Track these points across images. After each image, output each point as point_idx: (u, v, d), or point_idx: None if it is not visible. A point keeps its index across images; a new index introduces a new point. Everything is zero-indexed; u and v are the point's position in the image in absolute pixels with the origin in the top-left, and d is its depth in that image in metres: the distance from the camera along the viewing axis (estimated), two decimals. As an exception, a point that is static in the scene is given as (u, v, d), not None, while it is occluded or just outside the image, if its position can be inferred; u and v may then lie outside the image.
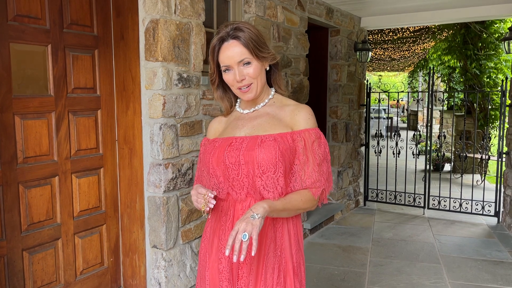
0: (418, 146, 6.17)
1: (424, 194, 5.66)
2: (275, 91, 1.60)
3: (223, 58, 1.46)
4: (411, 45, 9.07)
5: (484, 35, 7.65)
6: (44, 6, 2.43)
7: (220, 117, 1.67)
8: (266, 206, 1.34)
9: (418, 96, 6.44)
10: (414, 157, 5.86)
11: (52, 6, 2.46)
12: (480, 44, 7.76)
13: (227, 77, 1.49)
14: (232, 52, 1.45)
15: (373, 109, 12.11)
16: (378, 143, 5.89)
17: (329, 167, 1.50)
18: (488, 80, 7.78)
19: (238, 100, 1.63)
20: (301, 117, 1.49)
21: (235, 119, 1.59)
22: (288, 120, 1.50)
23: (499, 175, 5.25)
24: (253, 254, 1.26)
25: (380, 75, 19.05)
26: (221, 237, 1.50)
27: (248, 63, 1.46)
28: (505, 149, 5.17)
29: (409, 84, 17.36)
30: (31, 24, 2.38)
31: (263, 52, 1.48)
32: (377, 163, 5.98)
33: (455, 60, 8.41)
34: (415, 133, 6.25)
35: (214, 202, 1.40)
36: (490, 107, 7.51)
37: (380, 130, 6.02)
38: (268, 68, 1.55)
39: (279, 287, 1.46)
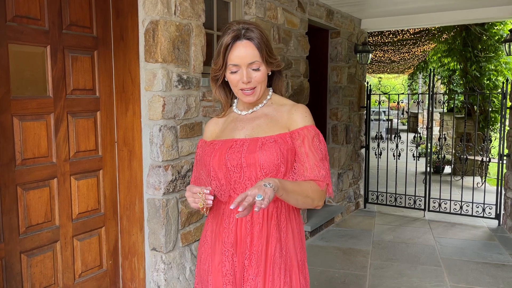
0: (419, 148, 6.16)
1: (425, 197, 5.64)
2: (273, 91, 1.60)
3: (234, 57, 1.45)
4: (411, 47, 9.07)
5: (484, 37, 7.65)
6: (43, 7, 2.41)
7: (216, 118, 1.65)
8: (276, 181, 1.30)
9: (418, 98, 6.43)
10: (414, 159, 5.84)
11: (51, 7, 2.45)
12: (480, 46, 7.75)
13: (233, 76, 1.48)
14: (245, 53, 1.44)
15: (373, 111, 12.09)
16: (378, 145, 5.87)
17: (328, 164, 1.51)
18: (488, 82, 7.78)
19: (235, 101, 1.62)
20: (298, 116, 1.50)
21: (233, 120, 1.58)
22: (285, 119, 1.50)
23: (499, 177, 5.23)
24: (263, 206, 1.18)
25: (380, 77, 19.06)
26: (225, 240, 1.49)
27: (257, 68, 1.46)
28: (505, 151, 5.16)
29: (409, 86, 17.36)
30: (30, 25, 2.36)
31: (271, 58, 1.50)
32: (378, 165, 5.96)
33: (455, 62, 8.41)
34: (415, 135, 6.23)
35: (212, 198, 1.39)
36: (490, 109, 7.49)
37: (380, 132, 6.01)
38: (270, 73, 1.55)
39: (286, 286, 1.46)
